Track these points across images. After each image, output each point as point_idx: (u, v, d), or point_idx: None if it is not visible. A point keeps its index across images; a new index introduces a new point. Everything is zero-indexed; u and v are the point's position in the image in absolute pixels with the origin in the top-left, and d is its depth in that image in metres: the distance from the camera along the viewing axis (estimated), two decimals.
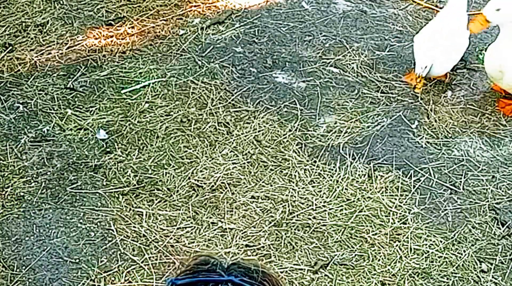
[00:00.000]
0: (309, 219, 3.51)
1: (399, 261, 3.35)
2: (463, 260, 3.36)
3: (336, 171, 3.72)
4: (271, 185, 3.66)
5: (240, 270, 1.53)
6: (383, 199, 3.59)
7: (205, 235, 3.45)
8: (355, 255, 3.38)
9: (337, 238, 3.43)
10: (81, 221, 3.52)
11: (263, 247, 3.41)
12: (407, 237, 3.44)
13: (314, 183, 3.66)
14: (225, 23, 4.56)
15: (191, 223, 3.51)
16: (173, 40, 4.45)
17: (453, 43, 4.08)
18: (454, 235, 3.46)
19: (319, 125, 3.95)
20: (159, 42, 4.43)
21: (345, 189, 3.64)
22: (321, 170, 3.72)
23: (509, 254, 3.39)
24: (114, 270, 3.33)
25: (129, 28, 4.53)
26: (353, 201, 3.59)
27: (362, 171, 3.72)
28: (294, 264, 3.35)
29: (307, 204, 3.57)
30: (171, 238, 3.44)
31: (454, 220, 3.52)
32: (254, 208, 3.56)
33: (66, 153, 3.82)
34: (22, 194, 3.63)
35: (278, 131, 3.92)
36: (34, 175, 3.71)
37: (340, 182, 3.66)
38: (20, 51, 4.38)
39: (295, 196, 3.60)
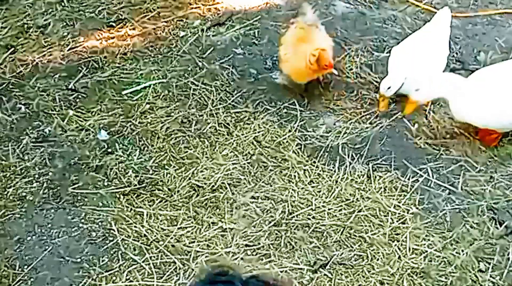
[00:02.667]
0: (309, 219, 3.52)
1: (397, 261, 3.37)
2: (461, 259, 3.37)
3: (335, 171, 3.73)
4: (271, 185, 3.67)
5: (258, 284, 1.50)
6: (382, 199, 3.60)
7: (206, 235, 3.46)
8: (354, 254, 3.39)
9: (336, 238, 3.45)
10: (82, 221, 3.54)
11: (263, 246, 3.42)
12: (406, 237, 3.45)
13: (313, 183, 3.68)
14: (225, 25, 4.58)
15: (192, 223, 3.52)
16: (174, 41, 4.47)
17: (430, 63, 3.97)
18: (453, 235, 3.46)
19: (318, 126, 3.97)
20: (159, 44, 4.45)
21: (344, 189, 3.65)
22: (320, 171, 3.73)
23: (507, 254, 3.40)
24: (115, 269, 3.35)
25: (130, 29, 4.55)
26: (352, 201, 3.60)
27: (361, 172, 3.73)
28: (293, 264, 3.36)
29: (307, 204, 3.58)
30: (172, 238, 3.46)
31: (452, 220, 3.53)
32: (254, 208, 3.58)
33: (67, 153, 3.84)
34: (24, 194, 3.65)
35: (277, 131, 3.93)
36: (36, 176, 3.73)
37: (340, 183, 3.68)
38: (22, 53, 4.40)
39: (294, 196, 3.61)
